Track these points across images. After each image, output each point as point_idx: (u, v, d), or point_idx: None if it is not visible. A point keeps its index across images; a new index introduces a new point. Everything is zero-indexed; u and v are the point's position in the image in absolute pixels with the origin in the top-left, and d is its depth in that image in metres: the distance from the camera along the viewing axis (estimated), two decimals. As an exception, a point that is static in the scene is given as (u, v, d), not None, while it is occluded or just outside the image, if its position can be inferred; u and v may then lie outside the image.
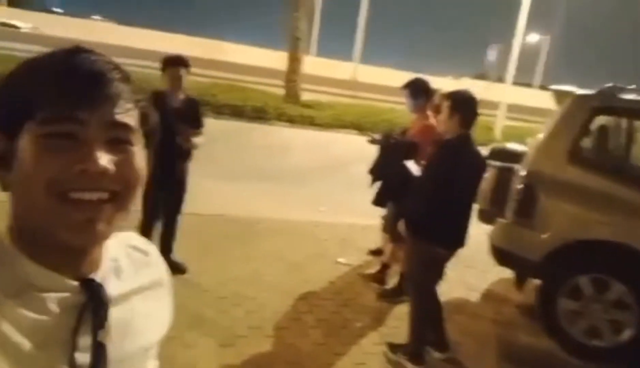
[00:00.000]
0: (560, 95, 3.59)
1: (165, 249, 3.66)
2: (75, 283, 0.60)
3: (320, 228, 5.35)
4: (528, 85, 33.39)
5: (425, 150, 3.40)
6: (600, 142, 3.62)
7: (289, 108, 12.97)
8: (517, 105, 18.58)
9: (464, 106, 2.82)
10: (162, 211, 3.65)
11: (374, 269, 4.23)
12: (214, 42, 34.60)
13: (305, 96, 15.15)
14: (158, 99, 3.42)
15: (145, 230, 3.50)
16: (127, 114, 0.60)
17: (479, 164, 2.92)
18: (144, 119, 0.64)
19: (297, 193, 6.64)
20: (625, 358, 3.33)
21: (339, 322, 3.46)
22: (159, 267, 0.76)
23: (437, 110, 3.99)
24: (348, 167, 8.81)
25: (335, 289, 3.97)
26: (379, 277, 4.07)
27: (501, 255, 3.73)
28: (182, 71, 3.41)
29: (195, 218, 4.55)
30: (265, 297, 3.61)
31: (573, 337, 3.42)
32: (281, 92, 14.62)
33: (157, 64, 3.55)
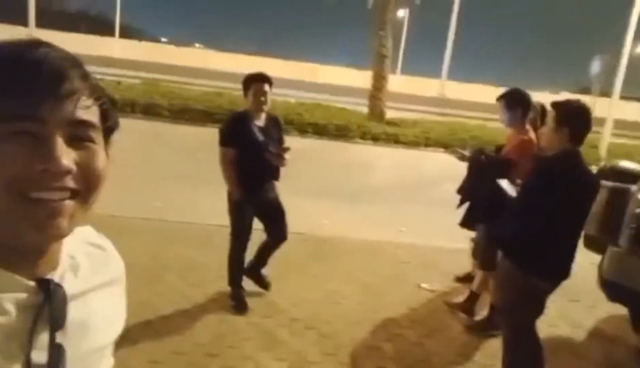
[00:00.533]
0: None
1: (260, 262, 3.64)
2: (32, 283, 0.59)
3: (401, 249, 5.08)
4: (637, 99, 30.31)
5: (522, 168, 3.06)
6: None
7: (372, 126, 12.81)
8: (625, 120, 16.85)
9: (574, 118, 2.46)
10: (267, 232, 3.57)
11: (461, 298, 3.88)
12: (306, 64, 35.78)
13: (391, 114, 14.92)
14: (241, 120, 3.41)
15: (237, 249, 3.47)
16: (89, 111, 0.59)
17: (590, 185, 2.52)
18: (105, 116, 0.62)
19: (379, 212, 6.42)
20: None
21: (421, 355, 3.16)
22: (116, 263, 0.76)
23: (536, 125, 3.63)
24: (434, 186, 8.44)
25: (417, 317, 3.68)
26: (467, 307, 3.71)
27: (613, 289, 3.24)
28: (267, 87, 3.33)
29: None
30: (340, 321, 3.43)
31: None
32: (365, 110, 14.53)
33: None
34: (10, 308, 0.57)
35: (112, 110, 0.63)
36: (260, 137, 3.31)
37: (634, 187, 3.25)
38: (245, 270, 3.56)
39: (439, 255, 4.92)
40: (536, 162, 2.64)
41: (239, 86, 3.45)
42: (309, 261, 4.41)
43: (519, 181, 2.99)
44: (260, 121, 3.39)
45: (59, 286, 0.61)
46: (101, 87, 0.62)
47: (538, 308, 2.60)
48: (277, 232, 3.55)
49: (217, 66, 26.92)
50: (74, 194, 0.57)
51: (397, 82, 22.22)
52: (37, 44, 0.57)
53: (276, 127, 3.49)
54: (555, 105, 2.55)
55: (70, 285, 0.63)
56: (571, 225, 2.50)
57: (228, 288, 3.49)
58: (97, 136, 0.60)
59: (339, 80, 27.98)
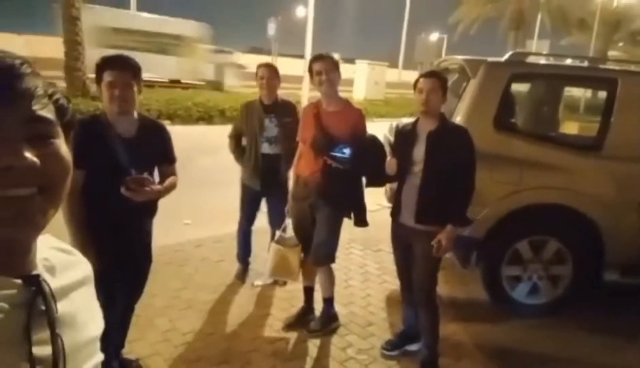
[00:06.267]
0: (471, 65, 3.50)
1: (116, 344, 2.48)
2: (19, 281, 0.60)
3: (204, 247, 4.42)
4: (301, 57, 35.64)
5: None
6: (519, 108, 3.69)
7: (80, 103, 10.69)
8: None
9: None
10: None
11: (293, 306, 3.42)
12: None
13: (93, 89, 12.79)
14: (94, 127, 2.13)
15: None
16: (46, 108, 0.60)
17: None
18: (61, 111, 0.63)
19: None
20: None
21: None
22: (85, 264, 0.76)
23: None
24: (187, 163, 7.68)
25: (273, 337, 3.24)
26: (306, 313, 3.29)
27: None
28: (128, 77, 2.14)
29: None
30: None
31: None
32: (61, 85, 11.99)
33: None
34: (3, 305, 0.57)
35: (67, 105, 0.64)
36: (123, 155, 2.15)
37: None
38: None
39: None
40: (468, 135, 2.64)
41: None
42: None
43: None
44: (127, 129, 2.19)
45: (45, 281, 0.62)
46: (53, 83, 0.63)
47: None
48: (130, 289, 2.47)
49: None
50: (42, 189, 0.58)
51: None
52: None
53: (154, 135, 2.31)
54: (436, 74, 2.71)
55: (51, 283, 0.64)
56: None
57: None
58: (56, 132, 0.61)
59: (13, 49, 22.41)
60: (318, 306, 3.30)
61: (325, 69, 2.90)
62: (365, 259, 4.48)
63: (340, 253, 4.56)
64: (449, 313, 3.42)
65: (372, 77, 19.92)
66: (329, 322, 3.21)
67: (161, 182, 2.31)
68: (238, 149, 3.68)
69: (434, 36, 45.95)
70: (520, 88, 3.66)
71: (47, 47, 15.96)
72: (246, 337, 3.07)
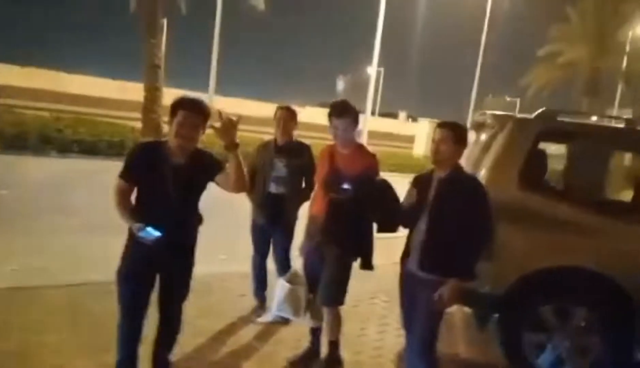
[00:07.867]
0: (499, 119, 3.48)
1: (165, 348, 2.79)
2: None
3: (231, 282, 4.56)
4: (372, 113, 36.56)
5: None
6: (547, 165, 3.59)
7: (151, 142, 11.65)
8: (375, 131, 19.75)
9: (466, 138, 2.65)
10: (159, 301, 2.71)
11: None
12: (52, 72, 30.62)
13: (165, 130, 13.91)
14: (152, 150, 2.51)
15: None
16: None
17: None
18: None
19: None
20: None
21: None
22: None
23: None
24: (229, 204, 7.99)
25: None
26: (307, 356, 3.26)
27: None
28: (198, 120, 2.40)
29: (71, 292, 3.48)
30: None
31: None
32: (138, 125, 13.13)
33: None
34: None
35: None
36: (168, 179, 2.43)
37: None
38: None
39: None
40: (479, 186, 2.68)
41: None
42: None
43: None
44: (179, 157, 2.46)
45: None
46: None
47: None
48: (176, 293, 2.73)
49: None
50: None
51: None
52: None
53: (203, 164, 2.51)
54: (453, 125, 2.64)
55: None
56: None
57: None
58: None
59: (98, 92, 25.04)
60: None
61: (342, 127, 2.99)
62: (388, 311, 4.37)
63: (362, 303, 4.53)
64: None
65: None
66: (332, 366, 3.15)
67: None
68: (252, 187, 3.77)
69: (504, 99, 45.34)
70: (555, 147, 3.56)
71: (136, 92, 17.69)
72: (248, 371, 3.09)
